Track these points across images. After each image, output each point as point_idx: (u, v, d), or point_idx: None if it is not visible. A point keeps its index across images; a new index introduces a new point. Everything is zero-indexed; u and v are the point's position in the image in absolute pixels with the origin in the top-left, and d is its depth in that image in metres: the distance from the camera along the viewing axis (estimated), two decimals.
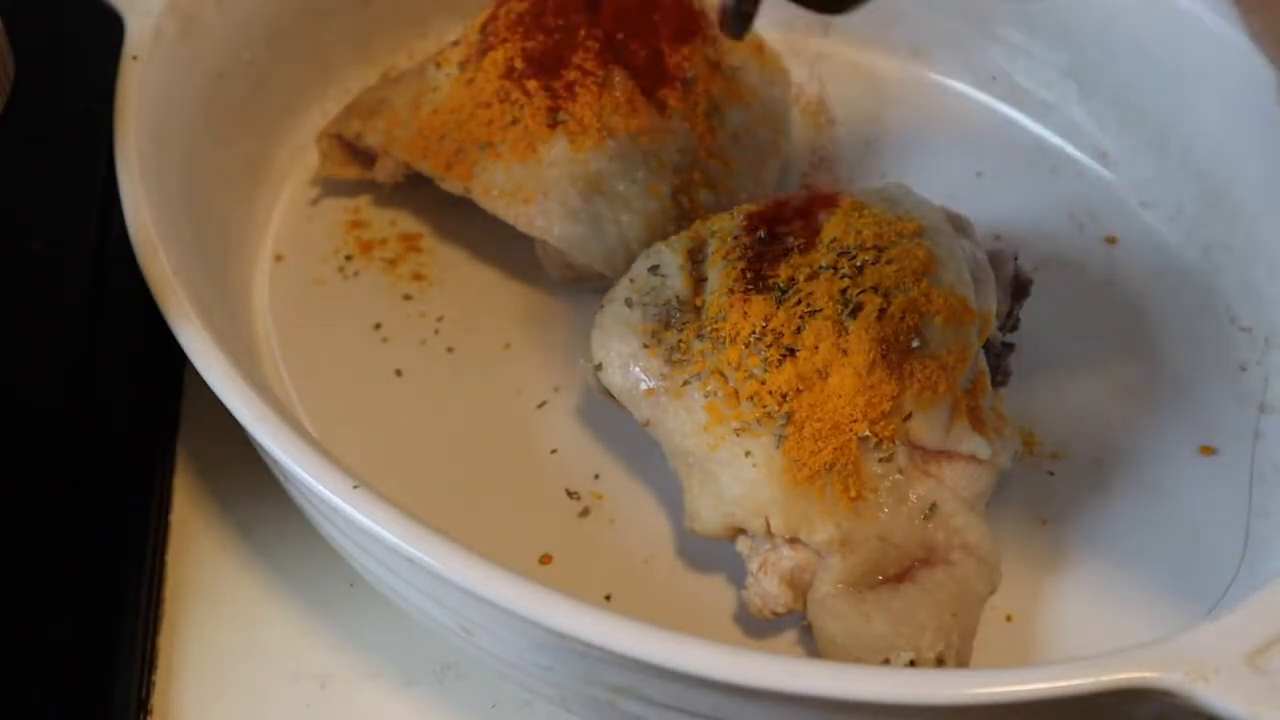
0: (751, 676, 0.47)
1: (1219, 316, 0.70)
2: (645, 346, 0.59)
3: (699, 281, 0.61)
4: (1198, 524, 0.62)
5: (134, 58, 0.66)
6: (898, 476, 0.56)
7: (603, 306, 0.62)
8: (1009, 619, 0.59)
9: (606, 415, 0.64)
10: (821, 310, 0.57)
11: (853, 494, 0.55)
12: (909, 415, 0.57)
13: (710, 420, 0.57)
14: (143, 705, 0.58)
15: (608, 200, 0.67)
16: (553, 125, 0.67)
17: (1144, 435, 0.65)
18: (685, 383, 0.58)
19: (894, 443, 0.56)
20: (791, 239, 0.60)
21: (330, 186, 0.75)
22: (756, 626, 0.59)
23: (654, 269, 0.62)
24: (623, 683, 0.50)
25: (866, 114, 0.80)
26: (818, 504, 0.55)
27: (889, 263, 0.59)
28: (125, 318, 0.68)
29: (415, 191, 0.73)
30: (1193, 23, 0.71)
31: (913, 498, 0.56)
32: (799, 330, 0.57)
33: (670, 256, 0.62)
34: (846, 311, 0.57)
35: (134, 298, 0.61)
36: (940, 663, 0.54)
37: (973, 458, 0.58)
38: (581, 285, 0.70)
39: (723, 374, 0.58)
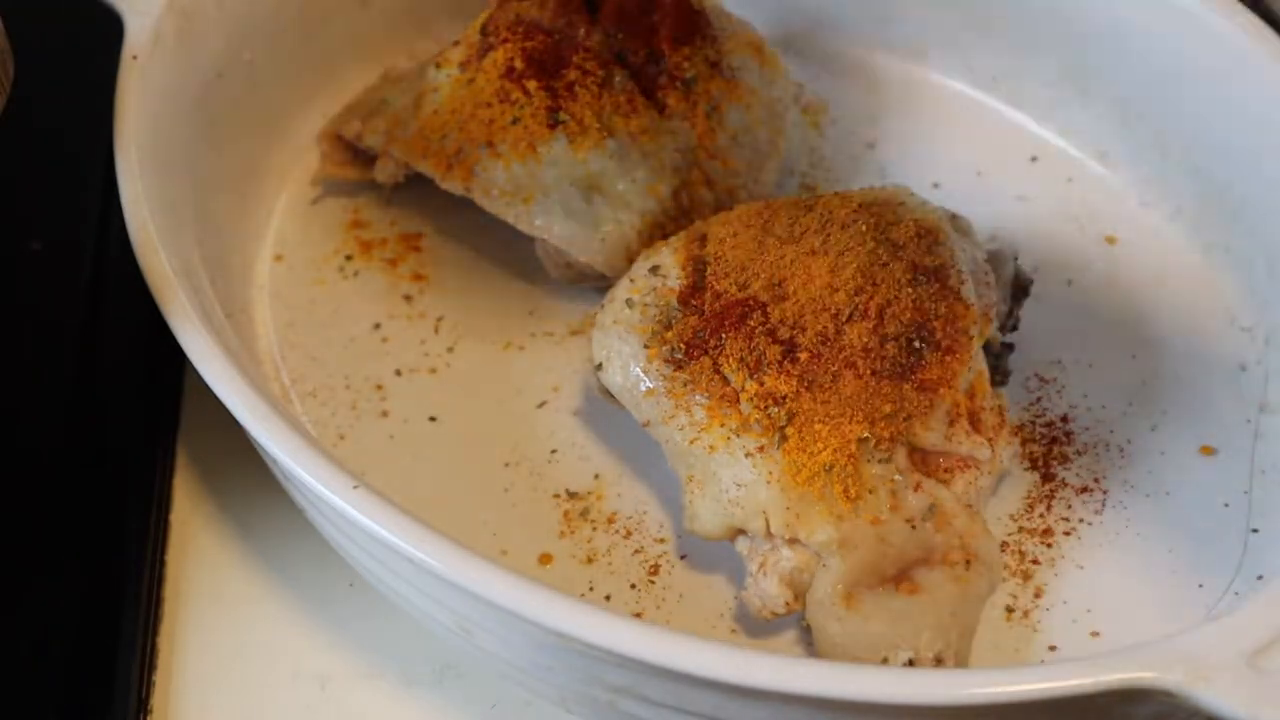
0: (751, 676, 0.47)
1: (1219, 316, 0.70)
2: (646, 347, 0.59)
3: (699, 281, 0.61)
4: (1198, 524, 0.62)
5: (134, 58, 0.66)
6: (897, 478, 0.56)
7: (603, 307, 0.62)
8: (1009, 618, 0.59)
9: (606, 415, 0.64)
10: (821, 311, 0.57)
11: (852, 495, 0.55)
12: (908, 417, 0.57)
13: (710, 421, 0.57)
14: (143, 705, 0.58)
15: (608, 200, 0.67)
16: (553, 125, 0.67)
17: (1144, 435, 0.65)
18: (685, 383, 0.58)
19: (893, 444, 0.56)
20: (792, 238, 0.60)
21: (330, 186, 0.75)
22: (756, 626, 0.59)
23: (654, 269, 0.62)
24: (623, 683, 0.50)
25: (866, 114, 0.80)
26: (817, 505, 0.55)
27: (888, 264, 0.59)
28: (125, 318, 0.68)
29: (415, 191, 0.73)
30: (1193, 23, 0.71)
31: (911, 499, 0.56)
32: (799, 332, 0.57)
33: (670, 256, 0.62)
34: (846, 313, 0.57)
35: (134, 298, 0.61)
36: (939, 662, 0.54)
37: (972, 458, 0.58)
38: (581, 285, 0.70)
39: (723, 375, 0.58)
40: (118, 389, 0.67)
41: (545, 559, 0.61)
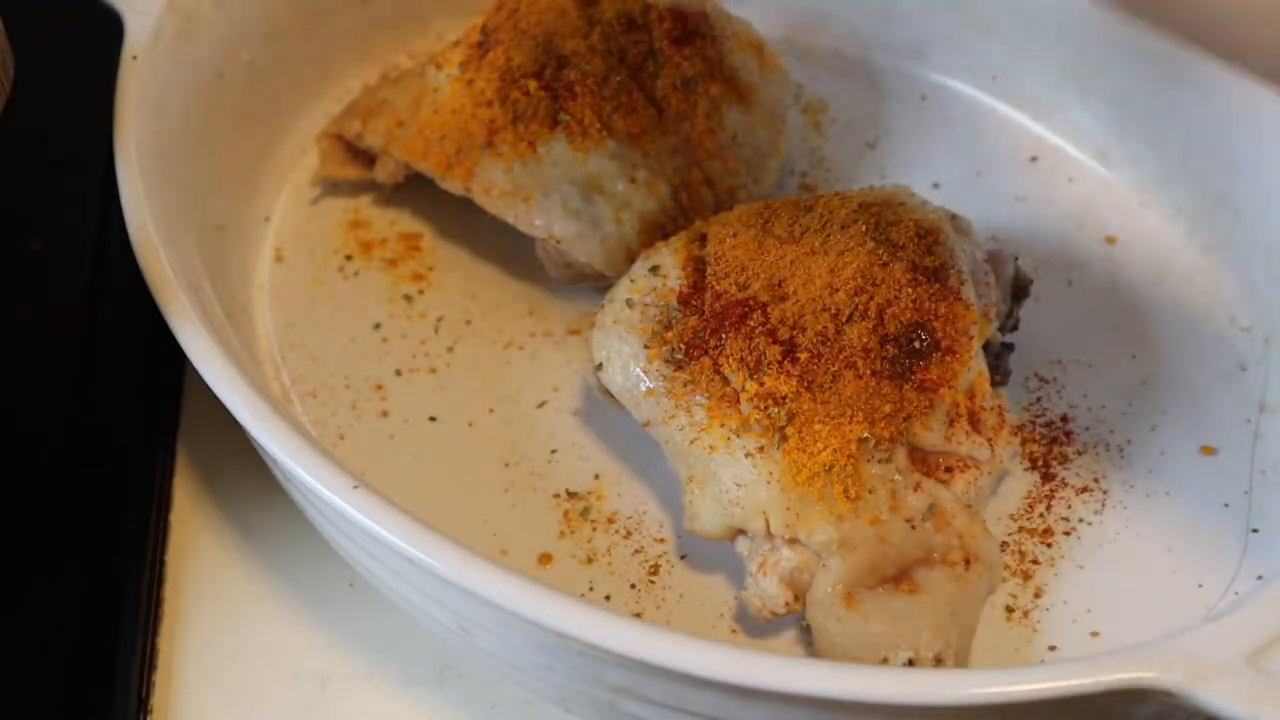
0: (751, 676, 0.47)
1: (1219, 316, 0.70)
2: (646, 347, 0.59)
3: (699, 281, 0.61)
4: (1198, 524, 0.62)
5: (134, 57, 0.66)
6: (897, 478, 0.56)
7: (603, 307, 0.62)
8: (1009, 618, 0.59)
9: (606, 415, 0.64)
10: (821, 311, 0.57)
11: (852, 495, 0.55)
12: (908, 417, 0.57)
13: (710, 421, 0.57)
14: (143, 705, 0.58)
15: (608, 200, 0.67)
16: (553, 125, 0.67)
17: (1144, 435, 0.65)
18: (686, 384, 0.58)
19: (893, 444, 0.56)
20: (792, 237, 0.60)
21: (330, 186, 0.75)
22: (756, 626, 0.59)
23: (654, 269, 0.62)
24: (623, 683, 0.50)
25: (866, 114, 0.80)
26: (817, 505, 0.55)
27: (888, 264, 0.59)
28: (125, 318, 0.68)
29: (415, 191, 0.73)
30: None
31: (911, 499, 0.56)
32: (799, 332, 0.57)
33: (670, 256, 0.62)
34: (846, 313, 0.57)
35: (134, 298, 0.61)
36: (939, 662, 0.54)
37: (972, 459, 0.58)
38: (581, 285, 0.70)
39: (723, 375, 0.58)
40: (118, 389, 0.67)
41: (545, 559, 0.61)
